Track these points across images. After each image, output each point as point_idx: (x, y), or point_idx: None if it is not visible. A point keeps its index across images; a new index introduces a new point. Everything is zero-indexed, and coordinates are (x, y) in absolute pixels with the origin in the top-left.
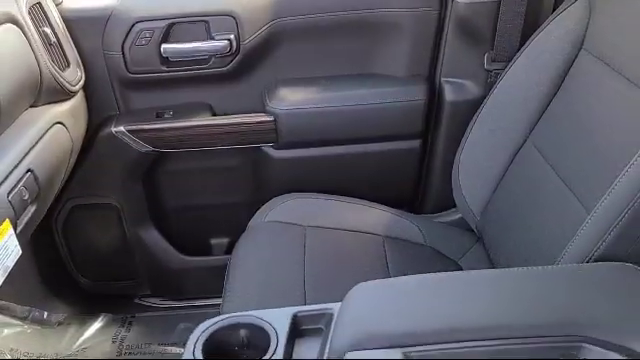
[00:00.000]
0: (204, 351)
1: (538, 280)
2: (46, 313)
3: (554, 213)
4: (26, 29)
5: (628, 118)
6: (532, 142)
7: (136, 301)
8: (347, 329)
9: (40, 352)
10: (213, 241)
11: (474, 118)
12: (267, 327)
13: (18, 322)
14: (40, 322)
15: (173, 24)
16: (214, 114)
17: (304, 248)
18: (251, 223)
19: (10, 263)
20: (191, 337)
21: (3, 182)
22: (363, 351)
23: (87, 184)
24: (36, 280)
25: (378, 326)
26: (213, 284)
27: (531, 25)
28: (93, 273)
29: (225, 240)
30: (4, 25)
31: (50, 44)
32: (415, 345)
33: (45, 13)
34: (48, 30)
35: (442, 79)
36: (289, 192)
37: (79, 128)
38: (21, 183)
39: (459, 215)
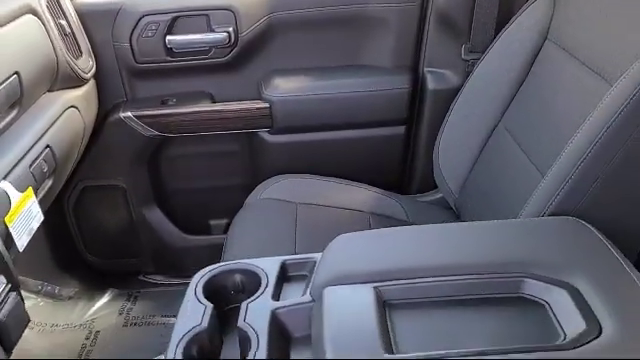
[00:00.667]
0: (205, 292)
1: (493, 230)
2: (58, 288)
3: (519, 185)
4: (44, 20)
5: (584, 100)
6: (504, 125)
7: (140, 278)
8: (326, 270)
9: (52, 323)
10: (212, 222)
11: (452, 105)
12: (259, 272)
13: (32, 295)
14: (52, 296)
15: (177, 17)
16: (214, 101)
17: (295, 223)
18: (248, 200)
19: (35, 225)
20: (192, 280)
21: (25, 155)
22: (339, 286)
23: (97, 166)
24: (48, 257)
25: (353, 266)
26: (212, 262)
27: (505, 17)
28: (101, 251)
29: (224, 221)
30: (25, 16)
31: (65, 35)
32: (384, 281)
33: (61, 6)
34: (64, 22)
35: (425, 69)
36: (283, 174)
37: (90, 113)
38: (41, 157)
39: (440, 195)
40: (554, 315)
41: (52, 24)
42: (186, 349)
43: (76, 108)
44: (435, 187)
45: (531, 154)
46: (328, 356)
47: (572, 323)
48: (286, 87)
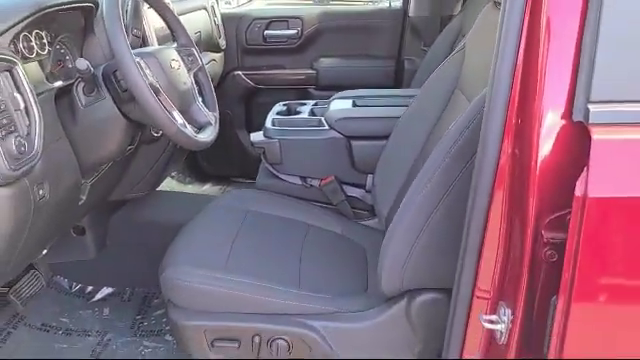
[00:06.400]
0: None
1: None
2: (186, 178)
3: None
4: (209, 14)
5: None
6: None
7: (232, 179)
8: (332, 97)
9: (181, 190)
10: None
11: (414, 78)
12: (305, 104)
13: (174, 181)
14: (181, 181)
15: (271, 21)
16: (285, 69)
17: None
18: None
19: None
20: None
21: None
22: (339, 100)
23: (219, 102)
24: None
25: (343, 94)
26: None
27: (444, 24)
28: (209, 159)
29: None
30: (201, 10)
31: (215, 25)
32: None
33: (214, 9)
34: (215, 18)
35: (404, 57)
36: None
37: (220, 68)
38: None
39: None
40: None
41: (212, 17)
42: (278, 113)
43: (215, 61)
44: None
45: None
46: (332, 108)
47: None
48: (325, 63)
